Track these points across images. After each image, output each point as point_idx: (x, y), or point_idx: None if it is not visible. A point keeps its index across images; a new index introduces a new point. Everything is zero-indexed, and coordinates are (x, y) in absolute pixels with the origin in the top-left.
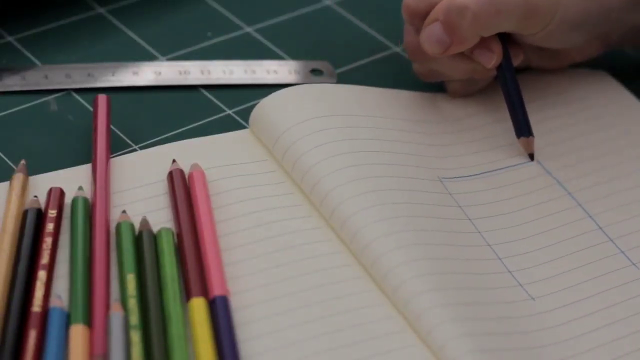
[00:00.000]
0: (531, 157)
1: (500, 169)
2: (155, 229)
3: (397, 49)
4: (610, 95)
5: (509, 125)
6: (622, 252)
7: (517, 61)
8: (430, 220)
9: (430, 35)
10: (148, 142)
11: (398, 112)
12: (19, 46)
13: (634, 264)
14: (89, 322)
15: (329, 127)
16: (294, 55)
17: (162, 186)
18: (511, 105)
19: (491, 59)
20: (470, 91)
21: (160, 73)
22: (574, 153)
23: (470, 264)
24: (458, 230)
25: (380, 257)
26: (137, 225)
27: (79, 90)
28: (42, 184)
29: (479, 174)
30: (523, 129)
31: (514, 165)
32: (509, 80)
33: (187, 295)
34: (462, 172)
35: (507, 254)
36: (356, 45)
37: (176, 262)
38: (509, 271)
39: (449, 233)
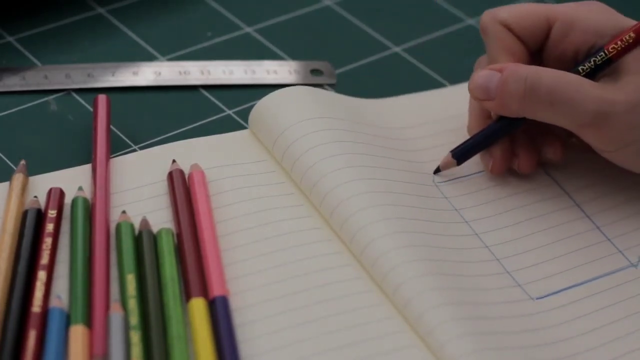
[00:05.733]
0: (436, 170)
1: None
2: (155, 229)
3: (397, 49)
4: None
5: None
6: (621, 251)
7: (554, 157)
8: (428, 223)
9: (484, 79)
10: (148, 142)
11: (392, 121)
12: (19, 46)
13: (632, 264)
14: (88, 322)
15: (327, 128)
16: (294, 55)
17: (162, 186)
18: (481, 134)
19: (487, 165)
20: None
21: (160, 73)
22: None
23: (469, 265)
24: (455, 234)
25: (380, 257)
26: (137, 226)
27: (78, 91)
28: (42, 184)
29: (472, 175)
30: (461, 154)
31: None
32: (499, 128)
33: (187, 295)
34: (455, 172)
35: (505, 255)
36: (356, 45)
37: (176, 262)
38: (508, 272)
39: (447, 236)
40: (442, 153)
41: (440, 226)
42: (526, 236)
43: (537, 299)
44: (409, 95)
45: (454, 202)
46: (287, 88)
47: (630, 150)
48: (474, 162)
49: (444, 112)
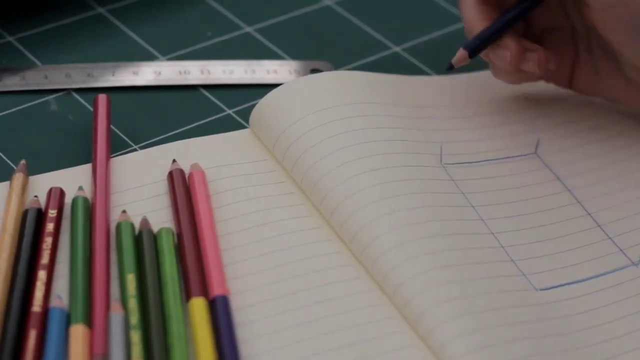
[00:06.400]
0: (450, 67)
1: (501, 158)
2: (155, 229)
3: (397, 49)
4: None
5: (511, 117)
6: (621, 250)
7: (550, 65)
8: (432, 209)
9: None
10: (148, 142)
11: (398, 98)
12: (19, 46)
13: (633, 264)
14: (89, 322)
15: (327, 121)
16: (294, 55)
17: (162, 186)
18: (491, 27)
19: (505, 57)
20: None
21: (160, 73)
22: (575, 150)
23: (473, 252)
24: (460, 218)
25: (380, 257)
26: (137, 225)
27: (79, 90)
28: (42, 184)
29: (481, 161)
30: (474, 47)
31: (516, 156)
32: (512, 17)
33: (187, 295)
34: (465, 158)
35: (510, 243)
36: (356, 45)
37: (176, 262)
38: (512, 260)
39: (451, 221)
40: (456, 137)
41: (444, 211)
42: (530, 228)
43: (541, 290)
44: (435, 77)
45: (460, 185)
46: (289, 82)
47: (614, 12)
48: (482, 150)
49: (469, 96)
